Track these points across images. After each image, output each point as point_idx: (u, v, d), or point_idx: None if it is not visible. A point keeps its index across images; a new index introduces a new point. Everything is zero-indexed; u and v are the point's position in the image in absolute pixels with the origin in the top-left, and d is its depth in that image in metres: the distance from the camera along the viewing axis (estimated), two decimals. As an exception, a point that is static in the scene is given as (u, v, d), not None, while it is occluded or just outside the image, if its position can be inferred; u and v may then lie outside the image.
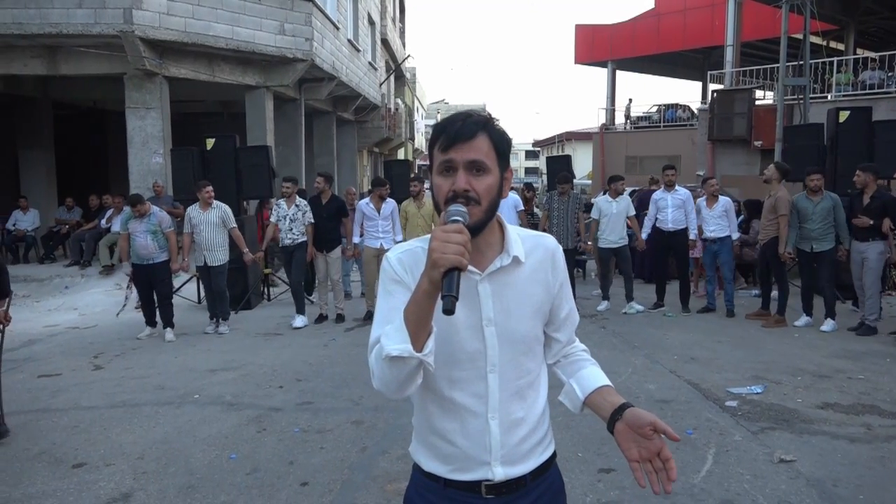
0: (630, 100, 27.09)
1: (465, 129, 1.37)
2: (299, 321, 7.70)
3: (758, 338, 6.77)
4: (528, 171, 73.95)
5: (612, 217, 8.15)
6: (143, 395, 5.22)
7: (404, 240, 7.91)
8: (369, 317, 8.01)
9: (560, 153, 39.62)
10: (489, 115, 1.43)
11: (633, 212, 8.35)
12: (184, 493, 3.53)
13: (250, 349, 6.75)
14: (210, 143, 8.99)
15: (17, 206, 12.30)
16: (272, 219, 7.91)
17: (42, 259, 11.81)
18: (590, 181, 29.61)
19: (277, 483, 3.62)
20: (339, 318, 8.00)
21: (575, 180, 12.85)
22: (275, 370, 5.87)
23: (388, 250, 8.13)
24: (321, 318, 7.99)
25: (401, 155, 30.70)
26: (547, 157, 12.82)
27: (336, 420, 4.56)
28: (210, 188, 7.46)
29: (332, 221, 7.90)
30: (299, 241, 7.80)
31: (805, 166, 7.59)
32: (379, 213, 7.89)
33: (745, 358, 5.98)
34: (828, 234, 6.98)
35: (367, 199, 8.09)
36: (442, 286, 1.21)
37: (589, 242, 8.67)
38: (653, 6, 25.97)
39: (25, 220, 12.16)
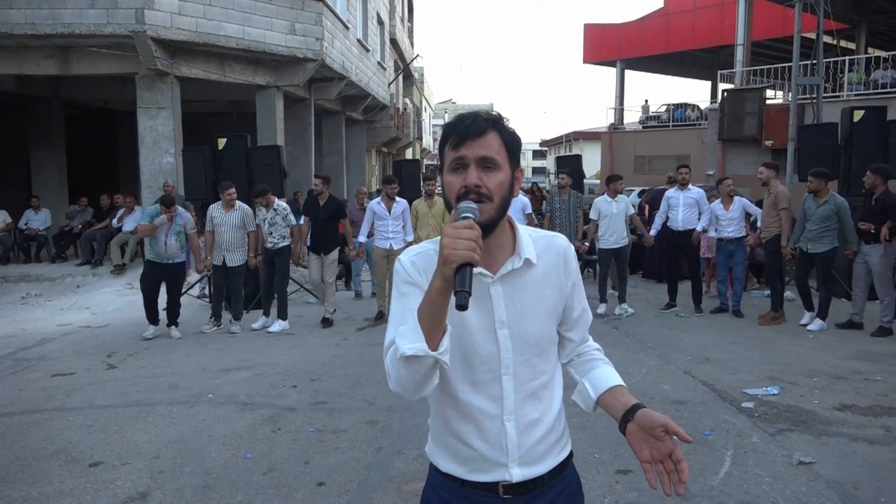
0: (646, 100, 27.02)
1: (476, 126, 1.38)
2: (277, 326, 7.60)
3: (772, 339, 6.72)
4: (536, 170, 73.87)
5: (613, 217, 8.02)
6: (157, 395, 5.23)
7: (415, 239, 7.93)
8: (380, 316, 7.99)
9: (568, 153, 39.55)
10: (498, 114, 1.44)
11: (632, 210, 8.31)
12: (200, 492, 3.53)
13: (263, 349, 6.76)
14: (222, 142, 9.00)
15: (29, 206, 12.38)
16: (257, 221, 7.75)
17: (54, 258, 11.87)
18: (598, 181, 29.52)
19: (294, 483, 3.61)
20: (326, 322, 7.80)
21: (584, 180, 12.85)
22: (288, 370, 5.87)
23: (397, 251, 8.14)
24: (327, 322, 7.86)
25: (409, 155, 30.73)
26: (557, 157, 12.78)
27: (350, 420, 4.56)
28: (233, 190, 7.42)
29: (329, 223, 7.76)
30: (280, 245, 7.66)
31: (819, 166, 7.54)
32: (390, 212, 7.86)
33: (760, 359, 5.95)
34: (824, 236, 6.96)
35: (378, 199, 8.04)
36: (454, 282, 1.21)
37: (586, 244, 8.59)
38: (662, 5, 25.88)
39: (37, 220, 12.24)
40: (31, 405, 5.04)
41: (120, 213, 11.24)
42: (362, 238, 8.09)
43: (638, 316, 7.99)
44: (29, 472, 3.82)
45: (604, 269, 8.39)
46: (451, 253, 1.20)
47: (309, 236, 8.01)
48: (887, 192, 6.71)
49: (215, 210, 7.44)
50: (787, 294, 8.47)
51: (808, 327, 7.04)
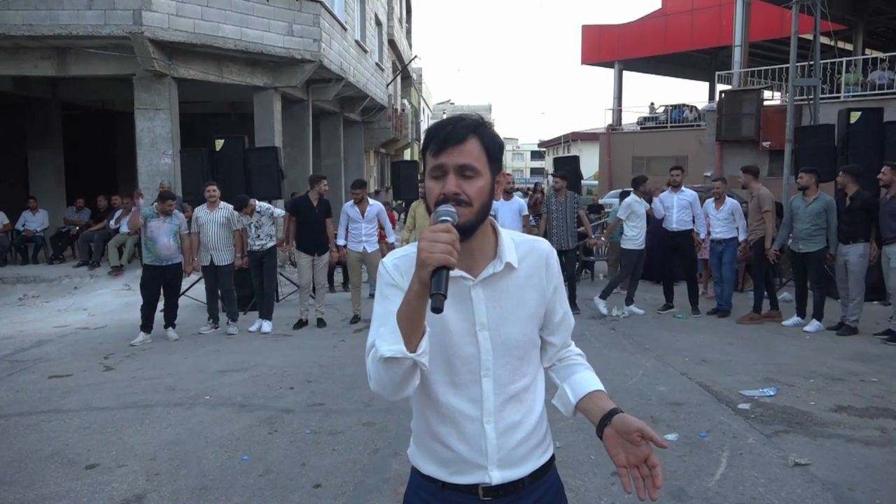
0: (652, 103, 26.83)
1: (456, 133, 1.38)
2: (267, 326, 7.59)
3: (769, 340, 6.74)
4: (534, 171, 73.95)
5: (643, 218, 8.13)
6: (154, 396, 5.23)
7: (405, 240, 7.92)
8: (355, 321, 7.92)
9: (566, 153, 39.56)
10: (481, 118, 1.45)
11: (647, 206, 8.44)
12: (197, 494, 3.53)
13: (260, 350, 6.75)
14: (219, 144, 9.00)
15: (27, 207, 12.36)
16: (238, 226, 7.64)
17: (51, 260, 11.85)
18: (596, 182, 29.53)
19: (290, 485, 3.61)
20: (320, 322, 7.78)
21: (582, 181, 12.85)
22: (285, 371, 5.87)
23: (371, 253, 8.12)
24: (301, 324, 7.78)
25: (407, 156, 30.71)
26: (554, 158, 12.78)
27: (347, 422, 4.56)
28: (212, 188, 7.44)
29: (322, 223, 7.74)
30: (268, 245, 7.64)
31: (816, 167, 7.57)
32: (363, 216, 7.76)
33: (757, 360, 5.95)
34: (815, 235, 7.03)
35: (351, 202, 7.91)
36: (430, 285, 1.23)
37: (602, 238, 8.61)
38: (660, 6, 25.92)
39: (35, 221, 12.22)
40: (27, 407, 5.04)
41: (117, 214, 11.23)
42: (340, 241, 8.00)
43: (635, 317, 8.00)
44: (25, 474, 3.82)
45: (630, 269, 8.30)
46: (428, 256, 1.22)
47: (297, 236, 7.88)
48: (860, 190, 6.86)
49: (200, 210, 7.48)
50: (784, 295, 8.50)
51: (805, 328, 7.07)
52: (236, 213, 7.54)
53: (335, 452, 4.04)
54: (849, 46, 19.93)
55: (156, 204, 7.31)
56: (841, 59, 16.19)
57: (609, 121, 26.46)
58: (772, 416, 4.51)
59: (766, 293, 7.76)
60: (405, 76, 28.38)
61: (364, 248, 7.80)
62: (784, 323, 7.34)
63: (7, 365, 6.35)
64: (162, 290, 7.32)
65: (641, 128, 26.12)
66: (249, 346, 6.98)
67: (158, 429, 4.51)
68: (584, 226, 8.65)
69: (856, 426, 4.31)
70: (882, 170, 6.68)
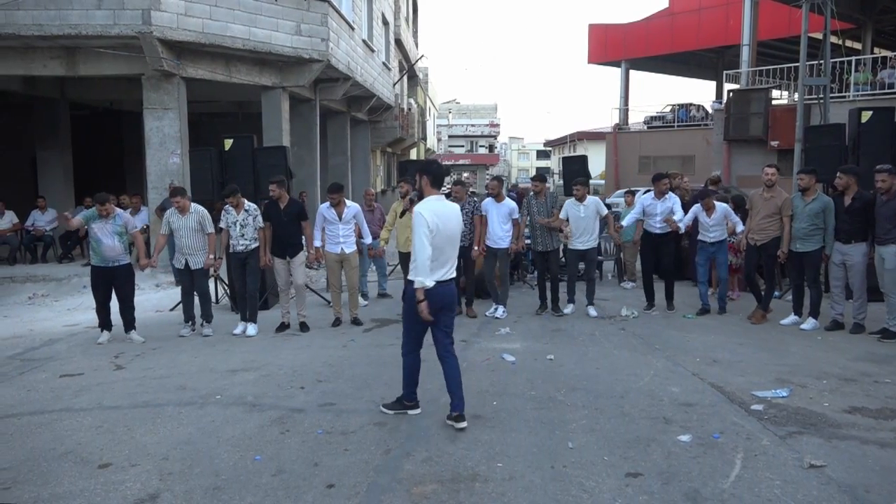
0: (669, 105, 26.50)
1: None
2: (252, 329, 7.44)
3: (781, 340, 6.70)
4: (539, 171, 73.77)
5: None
6: (165, 396, 5.24)
7: (396, 239, 7.90)
8: (337, 323, 7.79)
9: (572, 153, 39.50)
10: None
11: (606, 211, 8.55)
12: (210, 494, 3.53)
13: (270, 350, 6.75)
14: (228, 143, 9.00)
15: (36, 206, 12.42)
16: (221, 224, 7.50)
17: (60, 258, 11.92)
18: (602, 181, 29.48)
19: (303, 485, 3.61)
20: (303, 326, 7.61)
21: (589, 181, 12.81)
22: (295, 371, 5.87)
23: (349, 254, 8.01)
24: (283, 327, 7.61)
25: (413, 155, 30.71)
26: (562, 158, 12.73)
27: (359, 421, 4.55)
28: (178, 198, 7.24)
29: (292, 226, 7.56)
30: (252, 247, 7.48)
31: (828, 167, 7.56)
32: (340, 218, 7.71)
33: (769, 361, 5.92)
34: (813, 235, 7.04)
35: (327, 204, 7.81)
36: None
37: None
38: (667, 5, 25.85)
39: (43, 220, 12.28)
40: (39, 406, 5.06)
41: (126, 213, 11.24)
42: (317, 243, 7.87)
43: (644, 317, 7.97)
44: (39, 472, 3.83)
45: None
46: None
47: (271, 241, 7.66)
48: (861, 191, 6.84)
49: (172, 215, 7.35)
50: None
51: (802, 326, 7.12)
52: (206, 212, 7.41)
53: (347, 452, 4.04)
54: (858, 45, 19.84)
55: (96, 206, 7.06)
56: (850, 58, 16.12)
57: (616, 120, 26.42)
58: (785, 417, 4.49)
59: (759, 292, 7.74)
60: (412, 75, 28.38)
61: (342, 249, 7.74)
62: (782, 322, 7.33)
63: (18, 363, 6.37)
64: (114, 294, 7.17)
65: (648, 127, 26.05)
66: (258, 345, 6.98)
67: (170, 428, 4.52)
68: (556, 224, 8.55)
69: (870, 428, 4.28)
70: (879, 178, 6.56)
